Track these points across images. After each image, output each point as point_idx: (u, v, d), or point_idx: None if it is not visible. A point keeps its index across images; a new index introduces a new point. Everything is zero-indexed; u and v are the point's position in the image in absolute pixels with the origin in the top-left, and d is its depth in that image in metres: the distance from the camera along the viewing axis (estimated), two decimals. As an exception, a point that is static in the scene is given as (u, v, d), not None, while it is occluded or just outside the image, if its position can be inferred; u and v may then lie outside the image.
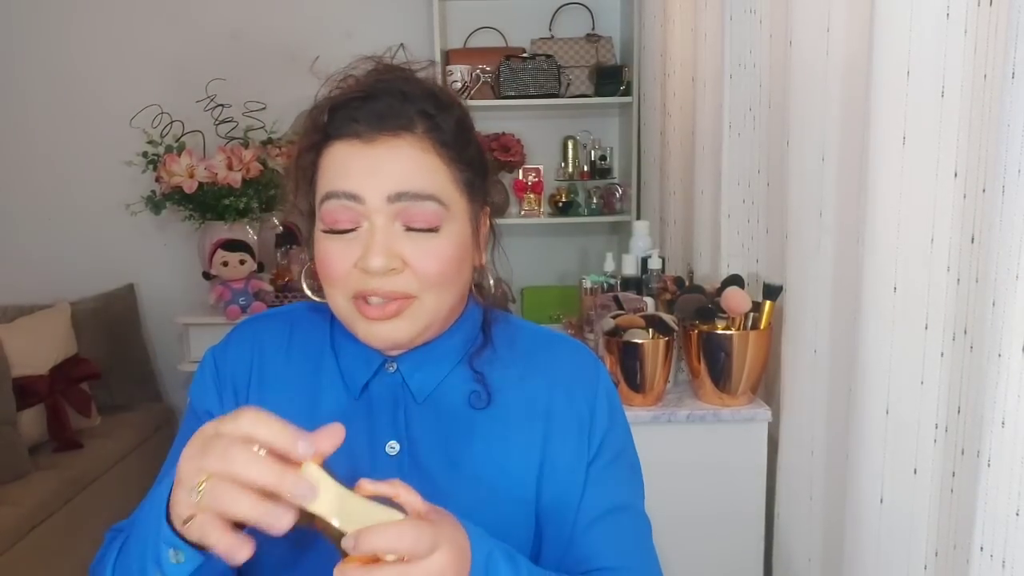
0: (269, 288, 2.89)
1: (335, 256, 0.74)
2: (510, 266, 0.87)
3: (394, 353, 0.81)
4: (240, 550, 0.54)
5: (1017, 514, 0.88)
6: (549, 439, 0.81)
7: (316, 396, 0.82)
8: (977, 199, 1.03)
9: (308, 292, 0.85)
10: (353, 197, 0.72)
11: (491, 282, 0.86)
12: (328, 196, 0.74)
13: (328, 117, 0.75)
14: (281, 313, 0.89)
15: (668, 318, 1.67)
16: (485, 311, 0.86)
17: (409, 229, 0.73)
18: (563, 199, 3.09)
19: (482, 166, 0.81)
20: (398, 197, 0.72)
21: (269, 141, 2.92)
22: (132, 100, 2.96)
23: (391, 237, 0.73)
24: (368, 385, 0.81)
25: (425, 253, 0.73)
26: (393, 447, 0.78)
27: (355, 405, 0.80)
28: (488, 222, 0.84)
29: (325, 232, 0.75)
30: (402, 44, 0.83)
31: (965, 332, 1.06)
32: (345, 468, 0.77)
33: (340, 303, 0.76)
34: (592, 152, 3.11)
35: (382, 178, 0.72)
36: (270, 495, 0.54)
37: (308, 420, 0.80)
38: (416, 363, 0.81)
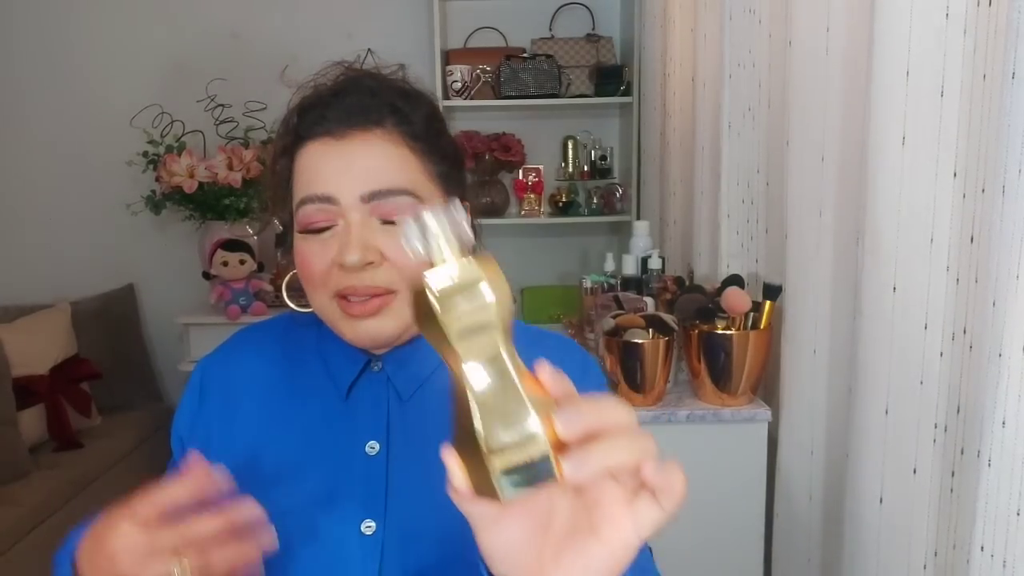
0: (269, 288, 2.89)
1: (313, 256, 0.74)
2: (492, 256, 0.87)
3: (379, 352, 0.80)
4: None
5: (1018, 514, 0.88)
6: None
7: (302, 401, 0.81)
8: (977, 199, 1.03)
9: (289, 303, 0.84)
10: (327, 199, 0.72)
11: None
12: (303, 201, 0.74)
13: (298, 119, 0.76)
14: (271, 323, 0.90)
15: (668, 318, 1.67)
16: None
17: (386, 223, 0.73)
18: (563, 199, 3.09)
19: (456, 159, 0.81)
20: (371, 196, 0.72)
21: (269, 141, 2.91)
22: (133, 100, 2.97)
23: (367, 232, 0.73)
24: (354, 385, 0.81)
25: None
26: (373, 447, 0.78)
27: (340, 407, 0.80)
28: (468, 215, 0.84)
29: (301, 233, 0.75)
30: (369, 49, 0.83)
31: (964, 332, 1.06)
32: (324, 469, 0.78)
33: (323, 303, 0.76)
34: (592, 152, 3.11)
35: (355, 176, 0.72)
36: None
37: (293, 425, 0.80)
38: (401, 361, 0.80)
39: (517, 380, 0.42)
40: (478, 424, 0.41)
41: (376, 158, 0.73)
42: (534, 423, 0.41)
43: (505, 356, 0.42)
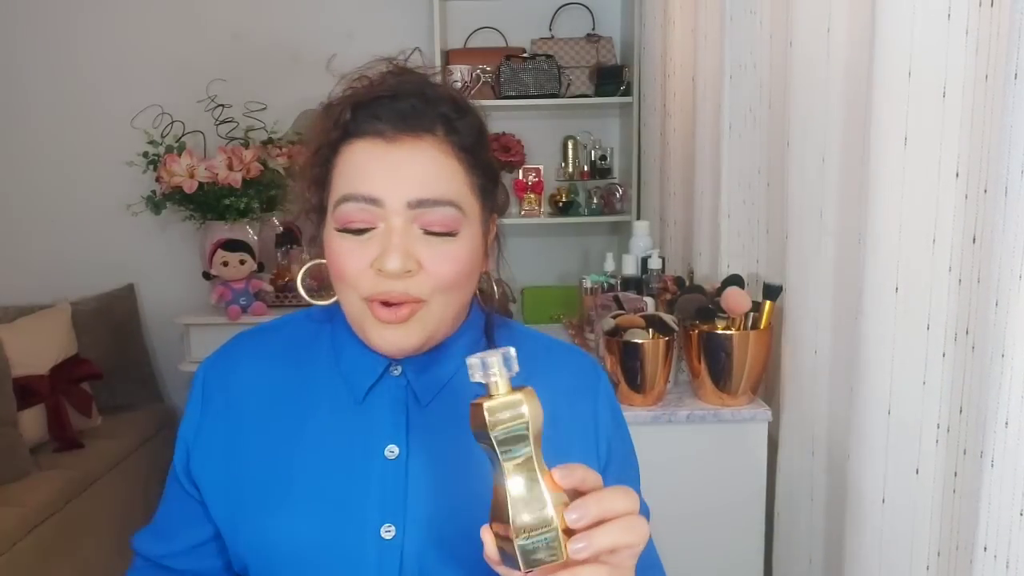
0: (269, 288, 2.89)
1: (349, 255, 0.73)
2: (510, 268, 0.87)
3: (399, 356, 0.80)
4: None
5: (1021, 514, 0.88)
6: (553, 445, 0.81)
7: (313, 404, 0.80)
8: (979, 199, 1.03)
9: (303, 294, 0.83)
10: (373, 201, 0.71)
11: (493, 288, 0.85)
12: (346, 198, 0.72)
13: (351, 114, 0.74)
14: (275, 325, 0.88)
15: (668, 318, 1.68)
16: (487, 316, 0.85)
17: (427, 233, 0.72)
18: (563, 199, 3.09)
19: (495, 174, 0.80)
20: (419, 203, 0.71)
21: (270, 141, 2.92)
22: (133, 100, 2.96)
23: (409, 239, 0.72)
24: (372, 389, 0.80)
25: (442, 257, 0.73)
26: (392, 451, 0.77)
27: (355, 410, 0.79)
28: (494, 228, 0.83)
29: (339, 231, 0.73)
30: (418, 48, 0.82)
31: (967, 332, 1.06)
32: (341, 473, 0.77)
33: (352, 303, 0.74)
34: (592, 152, 3.11)
35: (403, 181, 0.71)
36: None
37: (305, 428, 0.79)
38: (422, 366, 0.80)
39: (541, 480, 0.56)
40: (510, 511, 0.55)
41: (425, 164, 0.72)
42: (550, 513, 0.56)
43: (535, 462, 0.57)
